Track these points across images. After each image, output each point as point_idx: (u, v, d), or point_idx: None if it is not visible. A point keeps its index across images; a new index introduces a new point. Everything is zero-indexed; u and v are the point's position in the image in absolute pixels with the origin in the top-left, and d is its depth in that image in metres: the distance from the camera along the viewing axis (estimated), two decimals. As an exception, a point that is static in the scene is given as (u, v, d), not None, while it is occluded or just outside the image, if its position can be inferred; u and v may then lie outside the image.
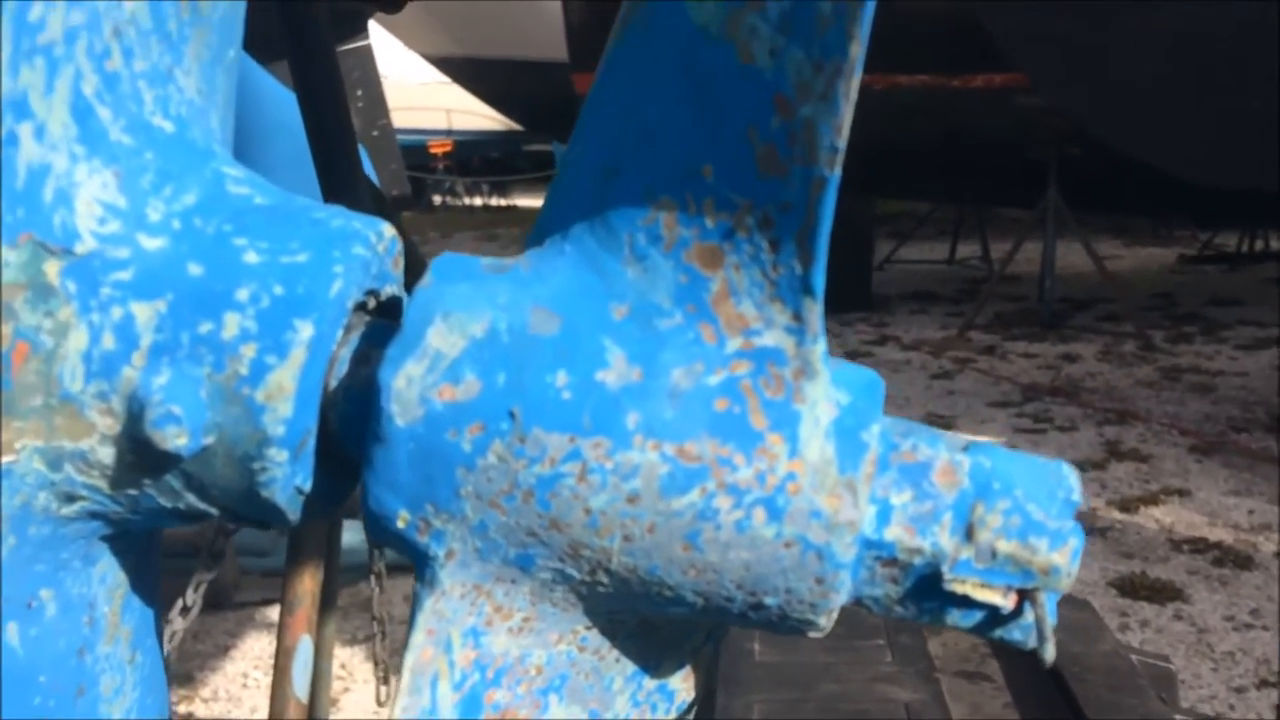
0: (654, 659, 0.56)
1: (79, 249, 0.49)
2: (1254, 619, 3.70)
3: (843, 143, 0.47)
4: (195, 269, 0.51)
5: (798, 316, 0.50)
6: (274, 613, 3.70)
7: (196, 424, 0.50)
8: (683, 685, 0.57)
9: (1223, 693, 3.25)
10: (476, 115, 15.59)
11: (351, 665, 3.47)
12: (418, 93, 15.65)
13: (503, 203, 17.71)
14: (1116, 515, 4.56)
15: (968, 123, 7.64)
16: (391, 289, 0.57)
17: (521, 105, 12.87)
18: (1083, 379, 6.76)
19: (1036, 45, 6.72)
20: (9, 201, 0.47)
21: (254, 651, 3.63)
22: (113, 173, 0.50)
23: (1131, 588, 3.91)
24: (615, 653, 0.55)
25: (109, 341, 0.50)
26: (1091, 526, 4.32)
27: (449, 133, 16.86)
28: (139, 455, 0.51)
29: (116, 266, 0.50)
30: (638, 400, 0.50)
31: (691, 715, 0.58)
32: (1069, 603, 1.76)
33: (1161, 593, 3.88)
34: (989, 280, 9.01)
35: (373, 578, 2.00)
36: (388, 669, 2.17)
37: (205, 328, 0.50)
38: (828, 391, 0.51)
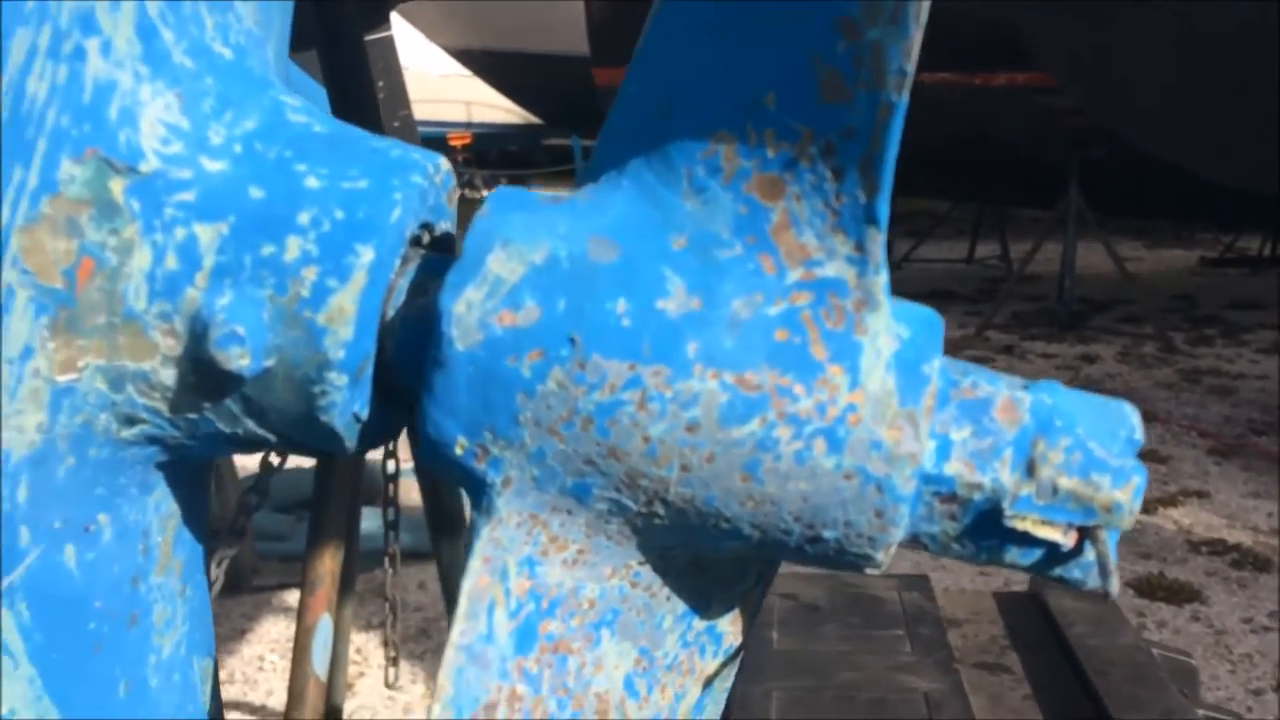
0: (704, 599, 0.56)
1: (143, 168, 0.49)
2: (1272, 621, 3.68)
3: (911, 67, 0.46)
4: (257, 192, 0.51)
5: (860, 246, 0.50)
6: (291, 597, 3.72)
7: (258, 345, 0.50)
8: (731, 629, 0.57)
9: (1240, 694, 3.23)
10: (496, 108, 15.59)
11: (366, 650, 3.48)
12: (438, 85, 15.67)
13: (521, 196, 17.59)
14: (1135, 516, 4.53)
15: (989, 121, 7.60)
16: (445, 225, 0.57)
17: (541, 99, 12.87)
18: (1102, 380, 6.72)
19: (1065, 44, 6.68)
20: (75, 116, 0.48)
21: (271, 635, 3.64)
22: (175, 94, 0.50)
23: (1149, 588, 3.89)
24: (667, 590, 0.55)
25: (172, 261, 0.50)
26: (1109, 527, 4.29)
27: (468, 125, 16.87)
28: (200, 377, 0.51)
29: (180, 187, 0.50)
30: (697, 329, 0.50)
31: (737, 661, 0.58)
32: (1089, 596, 1.75)
33: (1179, 594, 3.86)
34: (1008, 280, 8.97)
35: (386, 559, 2.00)
36: (398, 651, 2.17)
37: (267, 250, 0.51)
38: (889, 324, 0.51)
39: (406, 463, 1.99)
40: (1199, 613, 3.75)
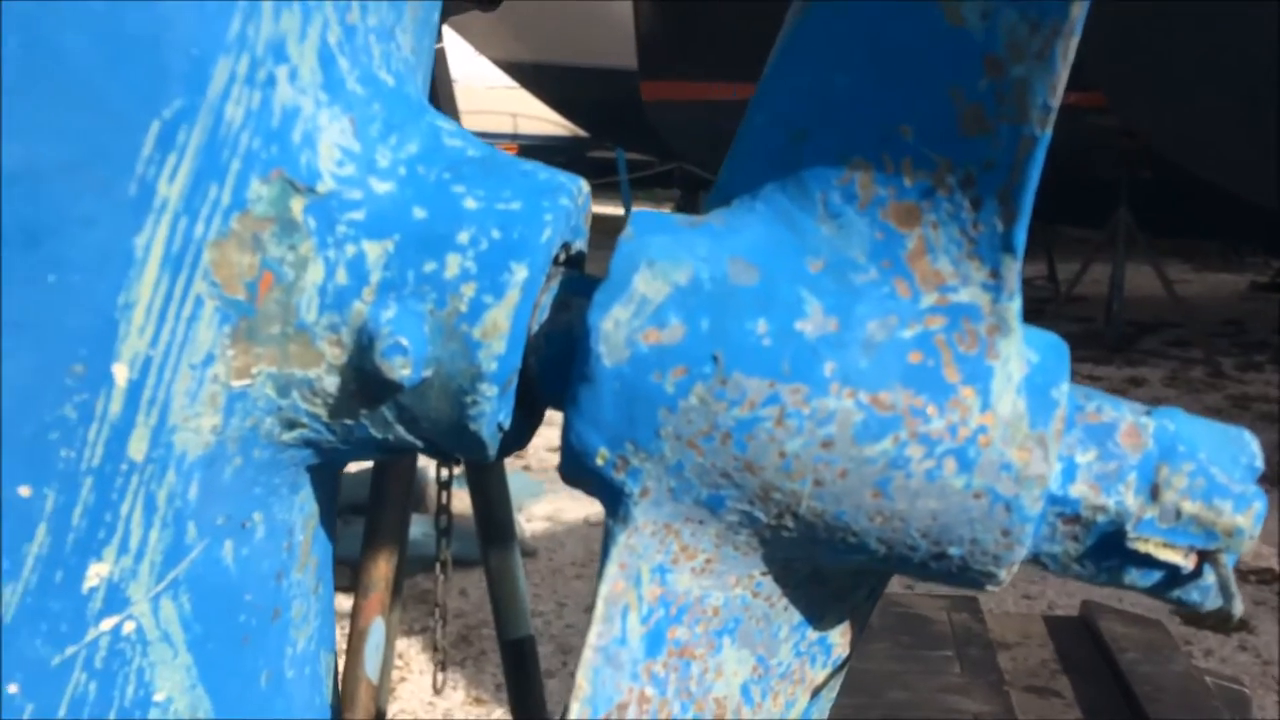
0: (819, 611, 0.57)
1: (320, 188, 0.52)
2: (1322, 654, 3.61)
3: (1056, 102, 0.47)
4: (420, 212, 0.53)
5: (995, 274, 0.51)
6: (337, 601, 3.75)
7: (419, 356, 0.52)
8: (841, 640, 0.58)
9: (1289, 727, 3.18)
10: (542, 120, 15.69)
11: (408, 655, 3.51)
12: (485, 97, 15.80)
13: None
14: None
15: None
16: (580, 244, 0.59)
17: (587, 111, 12.93)
18: (1149, 404, 6.64)
19: (1116, 65, 6.63)
20: (265, 139, 0.50)
21: (313, 638, 3.69)
22: (349, 119, 0.53)
23: (1196, 618, 3.83)
24: (785, 601, 0.56)
25: (342, 276, 0.53)
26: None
27: (514, 137, 16.98)
28: (361, 385, 0.54)
29: (351, 207, 0.53)
30: (834, 350, 0.51)
31: (843, 672, 0.59)
32: (1141, 623, 1.74)
33: (1227, 623, 3.80)
34: (1055, 300, 8.88)
35: (438, 566, 2.02)
36: (445, 657, 2.20)
37: (429, 267, 0.53)
38: (1020, 349, 0.52)
39: (457, 470, 2.01)
40: (1246, 642, 3.69)
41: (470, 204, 0.54)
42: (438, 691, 2.32)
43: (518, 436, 0.58)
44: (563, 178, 0.57)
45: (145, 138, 0.49)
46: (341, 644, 1.77)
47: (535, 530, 4.51)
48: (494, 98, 15.95)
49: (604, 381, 0.53)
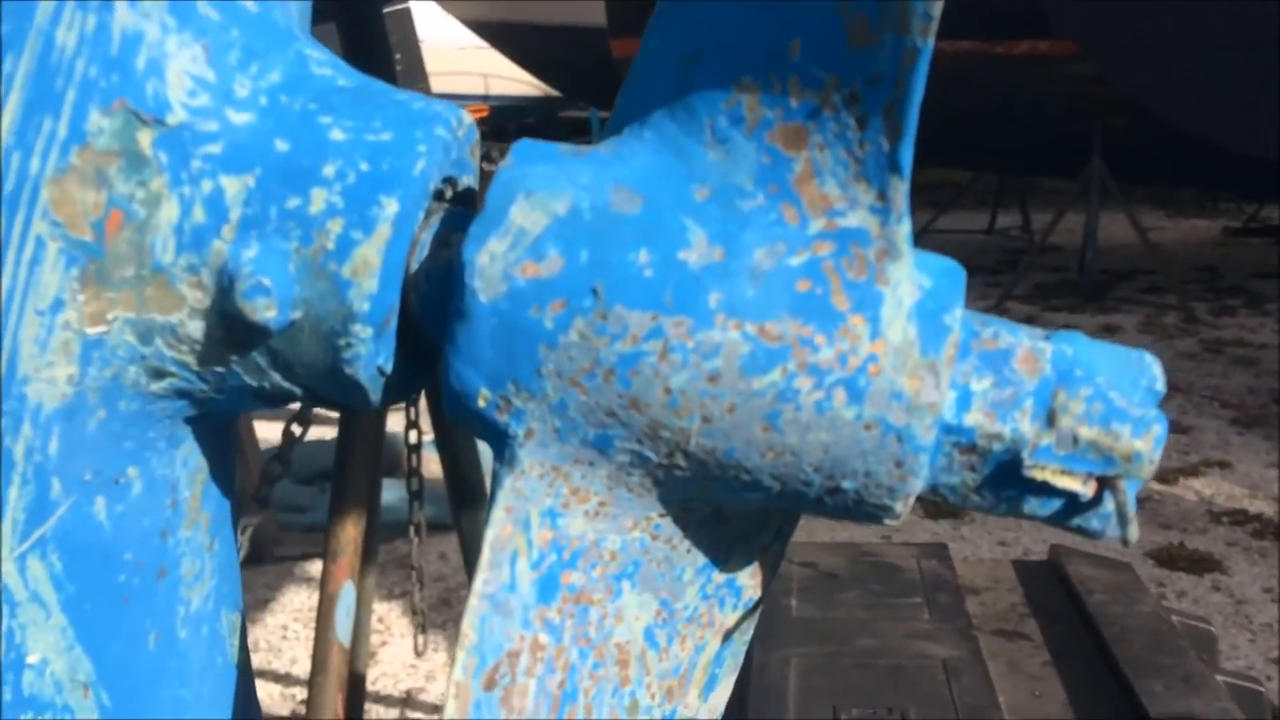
0: (724, 552, 0.56)
1: (170, 120, 0.50)
2: (1293, 592, 3.67)
3: (937, 10, 0.46)
4: (282, 145, 0.51)
5: (882, 195, 0.50)
6: (313, 567, 3.76)
7: (285, 297, 0.51)
8: (750, 582, 0.57)
9: (1260, 664, 3.23)
10: (513, 81, 15.53)
11: (388, 620, 3.52)
12: (455, 58, 15.62)
13: (539, 169, 17.53)
14: (1156, 486, 4.51)
15: (1012, 91, 7.53)
16: (468, 179, 0.57)
17: (559, 71, 12.81)
18: (1123, 351, 6.69)
19: (1089, 13, 6.60)
20: (103, 67, 0.48)
21: (294, 605, 3.69)
22: (201, 46, 0.51)
23: (1169, 558, 3.88)
24: (687, 543, 0.55)
25: (199, 214, 0.50)
26: (1129, 497, 4.28)
27: (485, 98, 16.82)
28: (228, 329, 0.52)
29: (206, 139, 0.50)
30: (719, 280, 0.50)
31: (756, 614, 0.59)
32: (1109, 565, 1.75)
33: (1200, 564, 3.85)
34: (1029, 250, 8.90)
35: (411, 529, 2.02)
36: (425, 619, 2.20)
37: (293, 203, 0.51)
38: (911, 273, 0.51)
39: (427, 435, 2.00)
40: (1219, 582, 3.74)
41: (337, 135, 0.52)
42: (419, 654, 2.33)
43: (406, 382, 0.56)
44: (439, 107, 0.55)
45: None
46: (315, 608, 1.76)
47: (514, 492, 4.51)
48: (464, 58, 15.77)
49: (481, 318, 0.51)
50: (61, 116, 0.48)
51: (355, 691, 2.04)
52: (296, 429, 1.58)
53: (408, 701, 3.13)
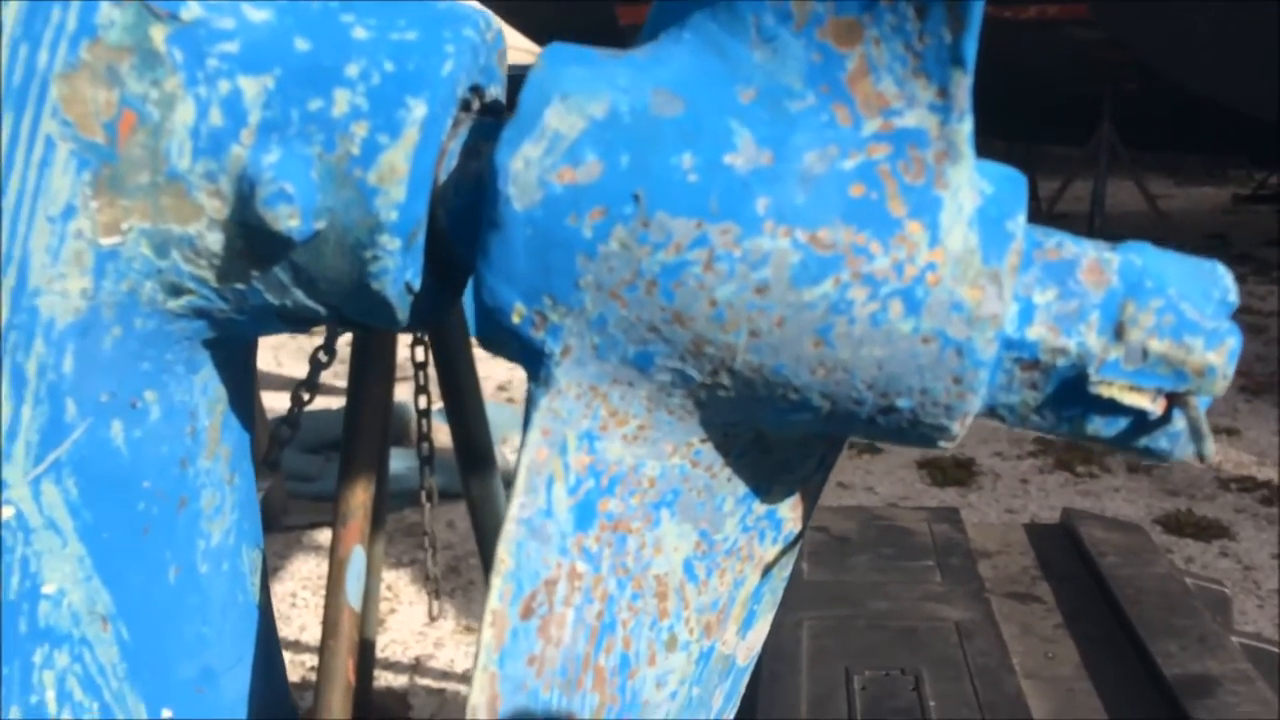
0: (765, 482, 0.54)
1: (185, 15, 0.47)
2: (1302, 558, 3.66)
3: None
4: (302, 44, 0.49)
5: (944, 92, 0.47)
6: (322, 536, 3.76)
7: (308, 205, 0.48)
8: (791, 514, 0.55)
9: (1269, 629, 3.23)
10: (518, 50, 15.42)
11: (397, 587, 3.53)
12: (458, 26, 15.52)
13: (543, 139, 17.47)
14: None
15: (1020, 55, 7.45)
16: (495, 89, 0.55)
17: (564, 38, 12.69)
18: (1131, 318, 6.65)
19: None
20: None
21: (302, 572, 3.70)
22: None
23: (1177, 525, 3.88)
24: (728, 471, 0.53)
25: (216, 117, 0.48)
26: (1137, 464, 4.27)
27: (489, 67, 16.70)
28: (248, 241, 0.50)
29: (223, 37, 0.48)
30: (767, 184, 0.47)
31: (796, 549, 0.57)
32: (1121, 528, 1.74)
33: (1208, 530, 3.84)
34: (1036, 218, 8.84)
35: (423, 494, 2.01)
36: (438, 585, 2.20)
37: (315, 104, 0.49)
38: (972, 178, 0.48)
39: (436, 403, 1.99)
40: (1227, 549, 3.74)
41: (360, 33, 0.49)
42: (433, 619, 2.32)
43: (435, 303, 0.54)
44: (466, 8, 0.53)
45: None
46: (324, 575, 1.76)
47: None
48: (468, 27, 15.67)
49: (515, 228, 0.48)
50: (70, 7, 0.46)
51: (365, 657, 2.05)
52: (305, 394, 1.57)
53: (417, 668, 3.15)
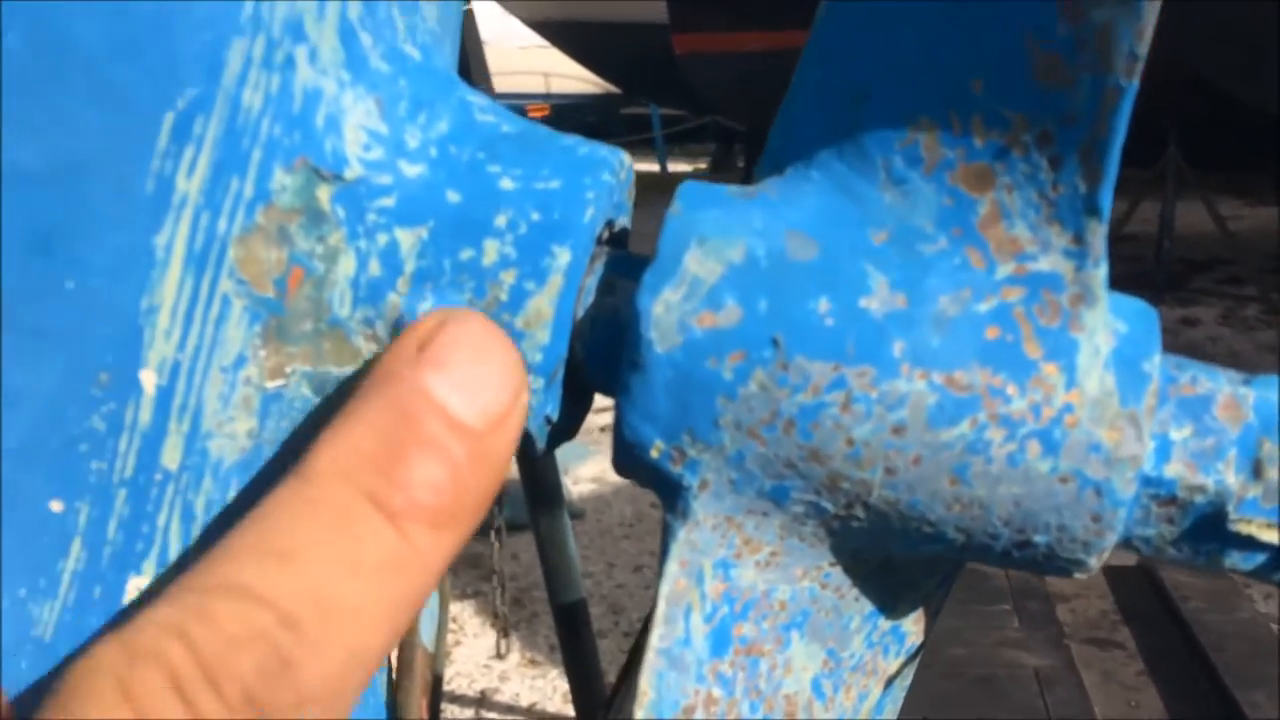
0: (890, 600, 0.55)
1: (348, 175, 0.49)
2: (1389, 593, 3.55)
3: (1144, 50, 0.44)
4: (454, 196, 0.51)
5: (1078, 239, 0.47)
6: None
7: None
8: (914, 628, 0.55)
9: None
10: (574, 79, 15.60)
11: (462, 619, 3.55)
12: (516, 57, 15.72)
13: (600, 166, 17.61)
14: None
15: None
16: (623, 220, 0.57)
17: (619, 68, 12.83)
18: (1203, 344, 6.52)
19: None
20: (286, 125, 0.48)
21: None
22: (374, 99, 0.50)
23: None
24: (855, 591, 0.54)
25: (375, 267, 0.50)
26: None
27: (546, 97, 16.90)
28: None
29: (381, 193, 0.50)
30: (903, 328, 0.48)
31: (917, 660, 0.58)
32: (1204, 570, 1.70)
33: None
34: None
35: (492, 533, 2.04)
36: (506, 623, 2.21)
37: (466, 254, 0.50)
38: (1107, 319, 0.49)
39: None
40: (1310, 583, 3.64)
41: (507, 184, 0.51)
42: (501, 656, 2.34)
43: (567, 426, 0.56)
44: (604, 151, 0.54)
45: (160, 131, 0.47)
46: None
47: (582, 492, 4.53)
48: (525, 57, 15.86)
49: (656, 369, 0.50)
50: (248, 176, 0.48)
51: (434, 693, 2.07)
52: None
53: (483, 702, 3.16)
